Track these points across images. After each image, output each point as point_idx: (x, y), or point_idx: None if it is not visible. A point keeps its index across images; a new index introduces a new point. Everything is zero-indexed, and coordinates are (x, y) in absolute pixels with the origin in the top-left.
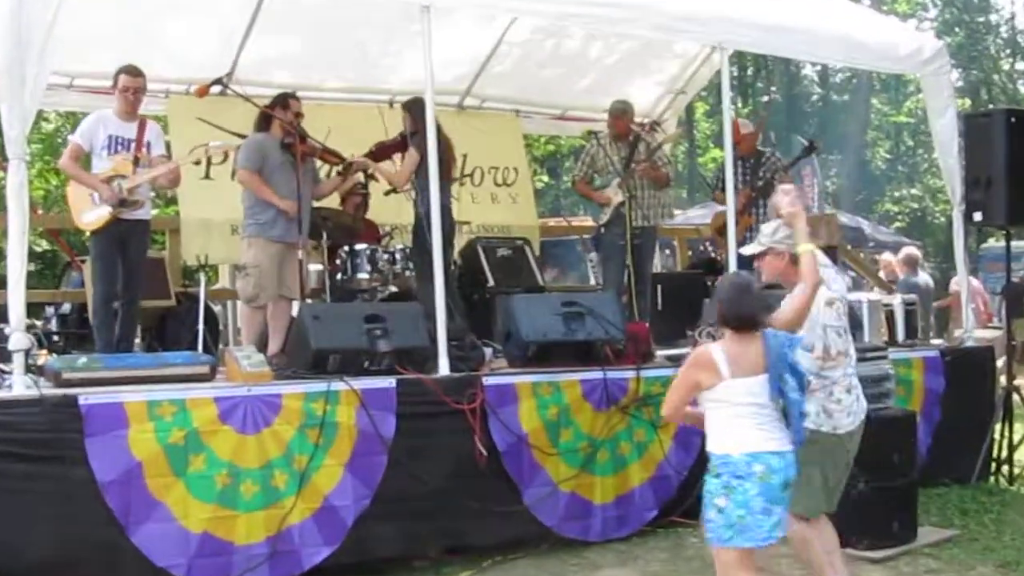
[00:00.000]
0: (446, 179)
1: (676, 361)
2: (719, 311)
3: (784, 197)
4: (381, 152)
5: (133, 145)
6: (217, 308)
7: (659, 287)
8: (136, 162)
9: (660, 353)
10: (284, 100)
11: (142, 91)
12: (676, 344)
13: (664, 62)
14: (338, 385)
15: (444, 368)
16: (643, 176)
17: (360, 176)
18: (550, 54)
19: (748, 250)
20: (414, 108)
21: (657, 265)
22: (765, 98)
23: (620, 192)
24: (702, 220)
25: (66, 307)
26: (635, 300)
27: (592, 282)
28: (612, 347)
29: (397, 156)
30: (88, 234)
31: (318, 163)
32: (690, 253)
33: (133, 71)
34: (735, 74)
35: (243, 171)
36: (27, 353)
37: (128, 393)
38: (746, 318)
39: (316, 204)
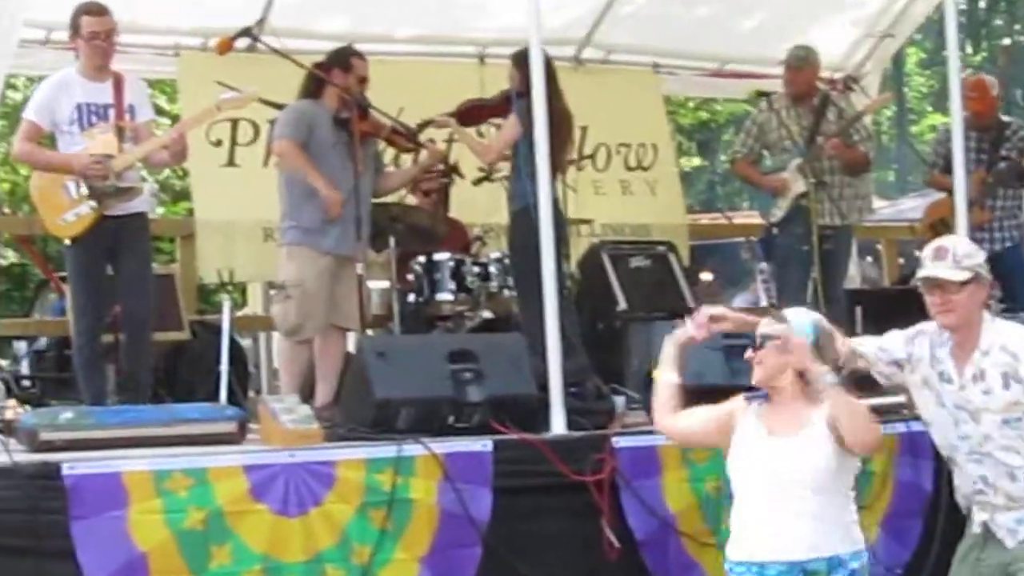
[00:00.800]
0: (554, 163)
1: (884, 413)
2: None
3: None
4: (472, 113)
5: (111, 111)
6: (246, 342)
7: (858, 308)
8: (120, 134)
9: (862, 401)
10: (345, 59)
11: (114, 34)
12: (880, 387)
13: None
14: (413, 449)
15: (559, 425)
16: (834, 155)
17: (439, 149)
18: None
19: (945, 273)
20: (523, 60)
21: (855, 278)
22: (1005, 41)
23: (801, 177)
24: (917, 214)
25: (41, 342)
26: None
27: (763, 303)
28: None
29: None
30: (67, 242)
31: (381, 146)
32: (901, 260)
33: (96, 8)
34: (963, 7)
35: (283, 142)
36: None
37: (128, 460)
38: None
39: (379, 200)
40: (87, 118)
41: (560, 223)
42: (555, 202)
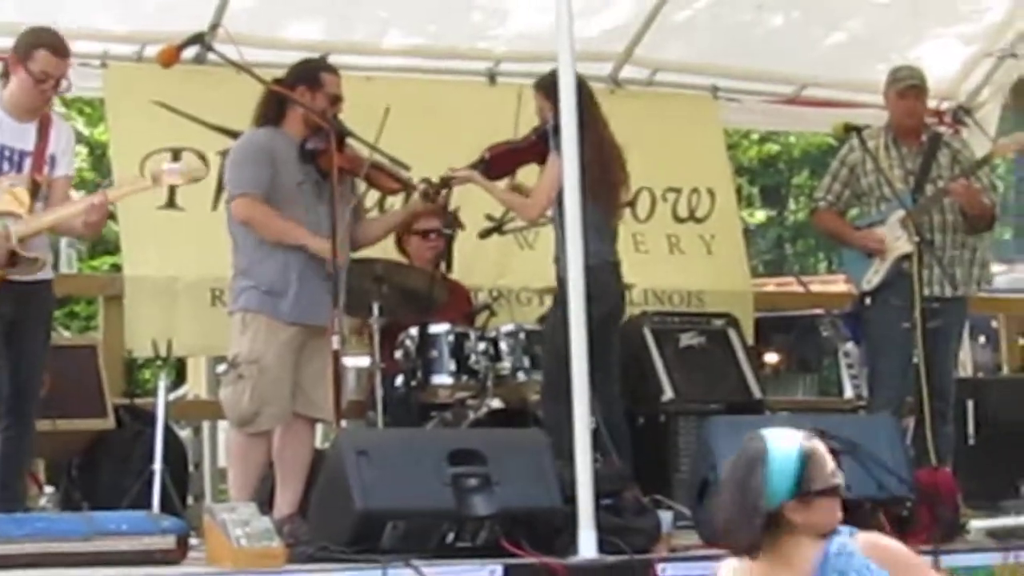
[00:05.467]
0: (609, 213)
1: (1001, 538)
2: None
3: None
4: (502, 161)
5: (28, 161)
6: (184, 433)
7: (970, 402)
8: (34, 190)
9: (974, 524)
10: (312, 73)
11: (65, 79)
12: (1001, 508)
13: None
14: (401, 574)
15: (589, 546)
16: (961, 200)
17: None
18: None
19: None
20: (554, 85)
21: (965, 365)
22: None
23: (905, 234)
24: None
25: None
26: (930, 427)
27: (849, 394)
28: (890, 511)
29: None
30: None
31: (361, 185)
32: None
33: (61, 47)
34: None
35: (243, 200)
36: None
37: None
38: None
39: (357, 255)
40: None
41: (619, 292)
42: (614, 265)
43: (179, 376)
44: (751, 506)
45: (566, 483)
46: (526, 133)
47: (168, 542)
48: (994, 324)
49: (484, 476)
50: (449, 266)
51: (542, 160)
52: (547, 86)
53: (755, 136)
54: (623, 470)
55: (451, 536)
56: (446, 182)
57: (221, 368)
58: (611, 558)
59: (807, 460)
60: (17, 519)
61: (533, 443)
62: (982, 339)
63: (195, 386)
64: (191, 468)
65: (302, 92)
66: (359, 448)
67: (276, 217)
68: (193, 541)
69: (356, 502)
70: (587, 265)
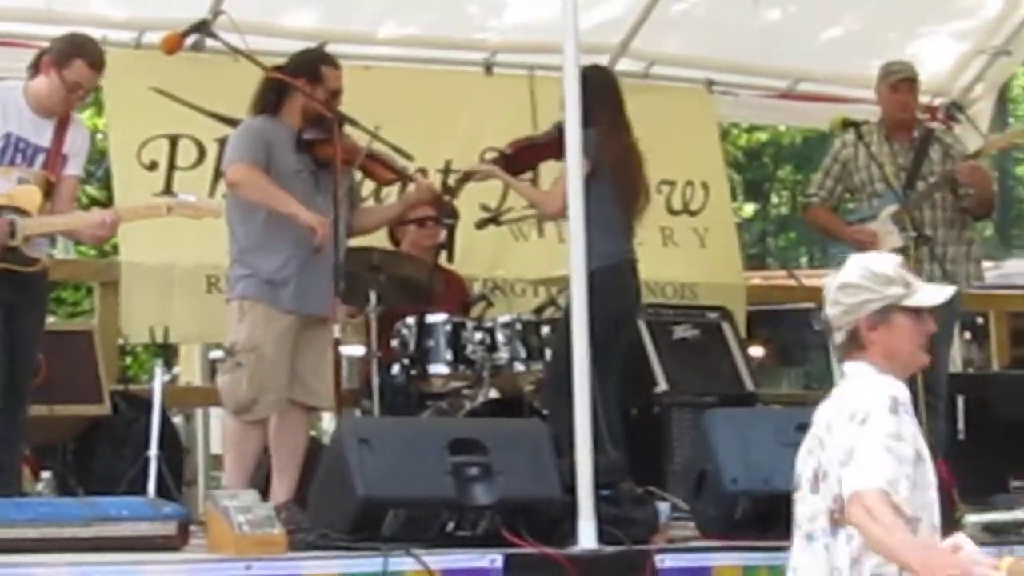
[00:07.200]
0: (631, 214)
1: (996, 533)
2: None
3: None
4: (523, 156)
5: (41, 157)
6: (177, 419)
7: (962, 399)
8: (47, 190)
9: (970, 519)
10: (314, 65)
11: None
12: (992, 503)
13: None
14: (402, 562)
15: (588, 537)
16: (971, 181)
17: (430, 182)
18: None
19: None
20: (591, 80)
21: (956, 360)
22: None
23: (897, 229)
24: None
25: None
26: (922, 422)
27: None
28: None
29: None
30: None
31: (357, 173)
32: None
33: (98, 60)
34: None
35: (238, 166)
36: None
37: (41, 567)
38: None
39: (354, 244)
40: (11, 154)
41: (637, 288)
42: (633, 263)
43: (166, 363)
44: None
45: (565, 473)
46: (547, 128)
47: (169, 528)
48: (985, 320)
49: (485, 465)
50: (451, 256)
51: (563, 155)
52: (582, 79)
53: (744, 124)
54: (620, 461)
55: (452, 525)
56: (468, 176)
57: (217, 355)
58: (610, 548)
59: None
60: (19, 503)
61: (533, 433)
62: (967, 335)
63: (187, 373)
64: (184, 454)
65: (304, 82)
66: (361, 436)
67: (269, 182)
68: (196, 527)
69: (357, 489)
70: (613, 263)
